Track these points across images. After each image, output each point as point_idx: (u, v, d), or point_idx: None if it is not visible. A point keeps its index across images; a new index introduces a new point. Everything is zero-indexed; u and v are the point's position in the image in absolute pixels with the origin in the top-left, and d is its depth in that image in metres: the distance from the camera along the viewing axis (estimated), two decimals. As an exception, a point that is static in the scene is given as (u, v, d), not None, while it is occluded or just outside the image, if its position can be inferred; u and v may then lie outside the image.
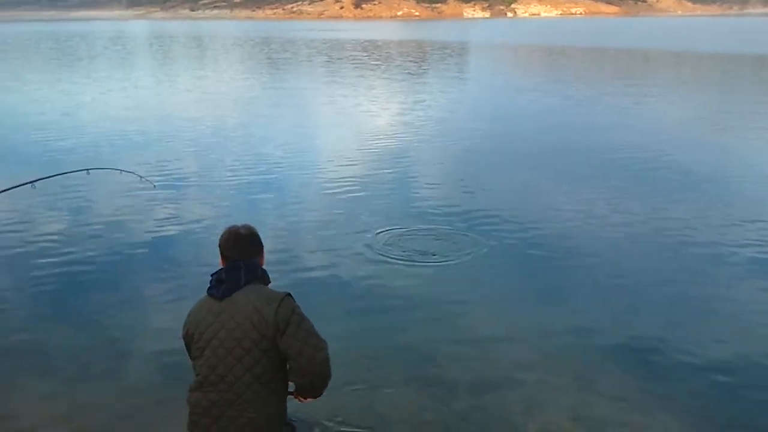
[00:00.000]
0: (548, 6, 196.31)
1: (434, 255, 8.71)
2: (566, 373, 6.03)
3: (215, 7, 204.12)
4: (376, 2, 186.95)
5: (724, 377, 5.98)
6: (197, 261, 8.48)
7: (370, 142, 16.59)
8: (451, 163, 14.50)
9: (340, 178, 12.88)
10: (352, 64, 40.99)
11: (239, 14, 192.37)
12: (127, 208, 10.77)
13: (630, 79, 31.63)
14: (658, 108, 22.33)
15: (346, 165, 14.01)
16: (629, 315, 7.15)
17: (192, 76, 33.56)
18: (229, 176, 13.03)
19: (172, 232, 9.74)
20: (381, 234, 9.51)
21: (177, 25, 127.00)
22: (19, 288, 7.85)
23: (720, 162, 14.30)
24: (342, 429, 5.15)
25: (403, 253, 8.77)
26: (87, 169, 8.24)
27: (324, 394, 3.69)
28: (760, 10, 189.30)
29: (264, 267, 3.70)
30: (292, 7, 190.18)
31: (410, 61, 44.31)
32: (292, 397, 3.61)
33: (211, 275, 3.57)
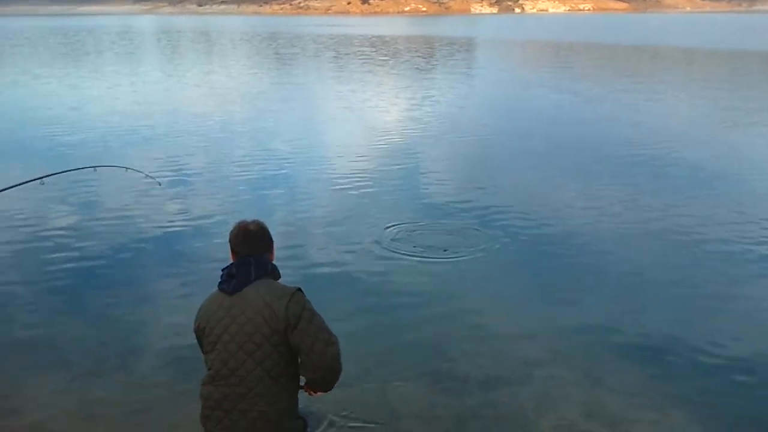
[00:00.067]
0: (556, 2, 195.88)
1: (445, 251, 8.70)
2: (578, 369, 6.01)
3: (222, 2, 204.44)
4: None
5: (736, 374, 5.96)
6: (208, 256, 8.48)
7: (379, 137, 16.58)
8: (460, 158, 14.48)
9: (349, 173, 12.87)
10: (360, 59, 40.96)
11: (246, 9, 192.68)
12: (136, 204, 10.77)
13: (639, 75, 31.51)
14: (667, 105, 22.24)
15: (356, 160, 14.00)
16: (641, 312, 7.13)
17: (200, 71, 33.58)
18: (238, 171, 13.03)
19: (182, 228, 9.75)
20: (391, 229, 9.50)
21: (184, 20, 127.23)
22: (30, 283, 7.87)
23: (731, 159, 14.24)
24: (354, 423, 5.15)
25: (413, 249, 8.76)
26: (94, 166, 8.27)
27: (336, 388, 3.69)
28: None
29: (274, 262, 3.70)
30: (300, 3, 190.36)
31: (418, 56, 44.26)
32: (303, 390, 3.61)
33: (222, 270, 3.58)
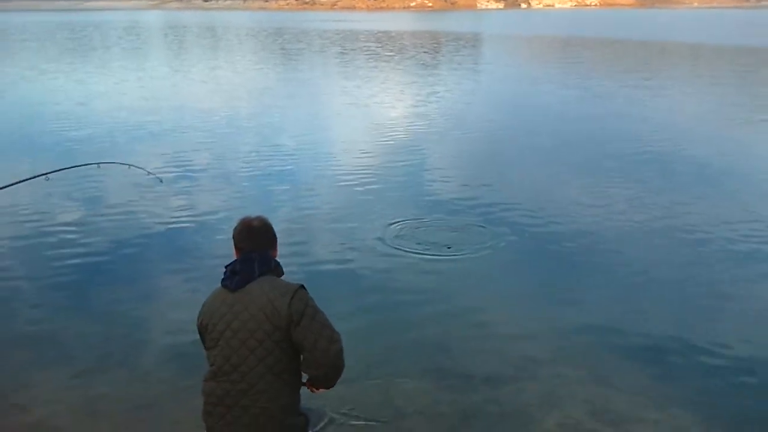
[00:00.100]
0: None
1: (449, 248, 8.69)
2: (582, 367, 5.99)
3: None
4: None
5: (741, 374, 5.94)
6: (212, 252, 8.49)
7: (385, 133, 16.56)
8: (466, 154, 14.46)
9: (354, 169, 12.86)
10: (366, 54, 40.94)
11: (252, 5, 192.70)
12: (140, 201, 10.78)
13: (647, 71, 31.39)
14: (675, 101, 22.16)
15: (360, 156, 14.00)
16: (646, 311, 7.10)
17: (206, 67, 33.62)
18: (243, 167, 13.04)
19: (186, 224, 9.76)
20: (395, 225, 9.49)
21: (191, 15, 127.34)
22: (34, 278, 7.89)
23: (739, 156, 14.19)
24: (358, 420, 5.15)
25: (417, 246, 8.75)
26: (98, 163, 8.29)
27: (339, 385, 3.69)
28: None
29: (277, 259, 3.70)
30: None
31: (424, 52, 44.20)
32: (306, 387, 3.61)
33: (225, 267, 3.58)
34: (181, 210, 10.33)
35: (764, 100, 21.98)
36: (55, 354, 6.16)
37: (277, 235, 3.73)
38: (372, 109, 20.43)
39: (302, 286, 3.48)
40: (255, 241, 3.59)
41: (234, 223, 3.73)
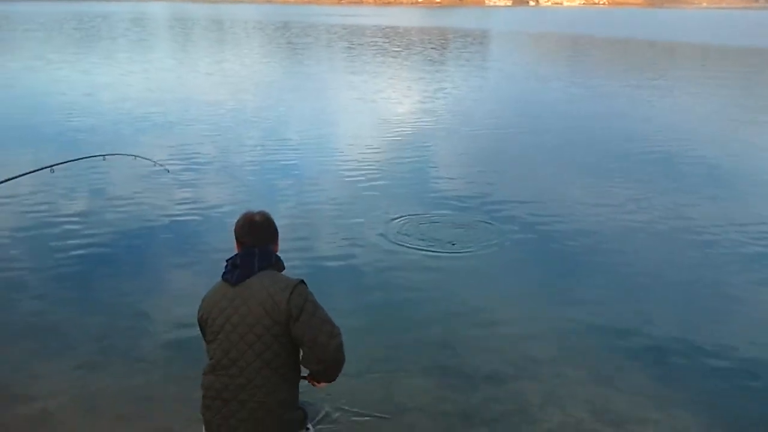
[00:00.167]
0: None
1: (453, 244, 8.67)
2: (584, 367, 5.98)
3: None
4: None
5: (743, 376, 5.93)
6: (216, 245, 8.47)
7: (391, 129, 16.54)
8: (472, 151, 14.44)
9: (359, 164, 12.85)
10: (373, 50, 40.90)
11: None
12: (145, 192, 10.76)
13: (654, 71, 31.32)
14: (682, 101, 22.11)
15: (366, 151, 13.98)
16: (649, 311, 7.08)
17: (213, 59, 33.61)
18: (248, 161, 13.04)
19: (190, 217, 9.74)
20: (400, 221, 9.48)
21: (197, 7, 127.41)
22: (38, 269, 7.87)
23: (745, 158, 14.16)
24: (360, 416, 5.14)
25: (421, 242, 8.74)
26: (103, 155, 8.28)
27: (342, 381, 3.69)
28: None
29: (281, 253, 3.70)
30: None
31: (432, 48, 44.15)
32: (307, 381, 3.62)
33: (227, 261, 3.59)
34: (186, 202, 10.32)
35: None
36: (58, 345, 6.16)
37: (281, 230, 3.72)
38: (378, 105, 20.41)
39: (302, 281, 3.48)
40: (256, 235, 3.59)
41: (237, 217, 3.74)
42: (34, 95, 20.95)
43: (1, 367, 5.78)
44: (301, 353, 3.47)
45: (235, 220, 3.69)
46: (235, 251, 3.62)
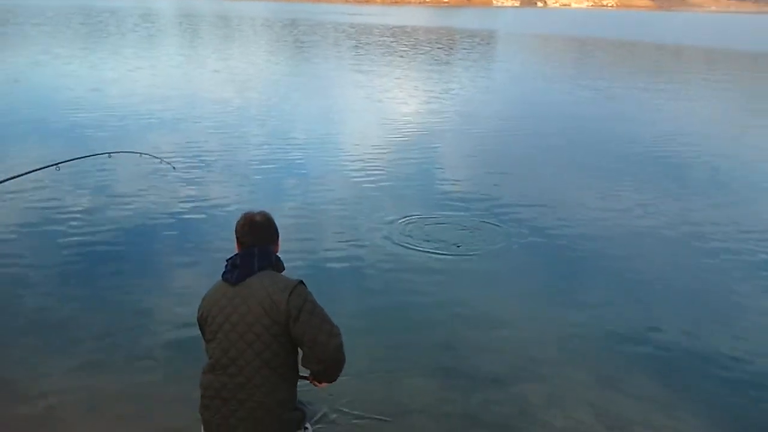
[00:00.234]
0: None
1: (458, 246, 8.66)
2: (588, 370, 5.98)
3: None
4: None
5: (748, 381, 5.92)
6: (220, 244, 8.45)
7: (397, 128, 16.54)
8: (478, 153, 14.43)
9: (365, 164, 12.85)
10: (381, 49, 40.89)
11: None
12: (150, 191, 10.71)
13: (661, 74, 31.26)
14: (689, 105, 22.06)
15: (372, 151, 13.98)
16: (654, 315, 7.08)
17: (220, 57, 33.62)
18: (253, 159, 13.02)
19: (195, 215, 9.71)
20: (404, 222, 9.47)
21: (206, 4, 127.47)
22: (43, 267, 7.83)
23: (752, 163, 14.13)
24: (362, 417, 5.14)
25: (426, 243, 8.73)
26: (109, 153, 8.31)
27: (344, 381, 3.70)
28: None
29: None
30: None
31: (439, 48, 44.12)
32: (308, 381, 3.63)
33: (226, 260, 3.61)
34: (192, 201, 10.28)
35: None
36: (61, 343, 6.15)
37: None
38: (385, 104, 20.41)
39: (301, 282, 3.50)
40: (257, 235, 3.62)
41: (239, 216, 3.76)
42: (41, 90, 20.98)
43: (4, 364, 5.79)
44: (301, 353, 3.48)
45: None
46: (236, 251, 3.65)
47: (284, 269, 3.64)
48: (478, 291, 7.53)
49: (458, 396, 5.50)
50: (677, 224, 9.89)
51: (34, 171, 6.75)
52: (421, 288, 7.53)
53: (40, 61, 27.70)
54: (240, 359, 3.39)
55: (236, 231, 3.66)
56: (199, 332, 3.62)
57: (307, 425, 3.62)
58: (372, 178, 11.81)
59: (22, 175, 6.52)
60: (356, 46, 43.54)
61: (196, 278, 7.49)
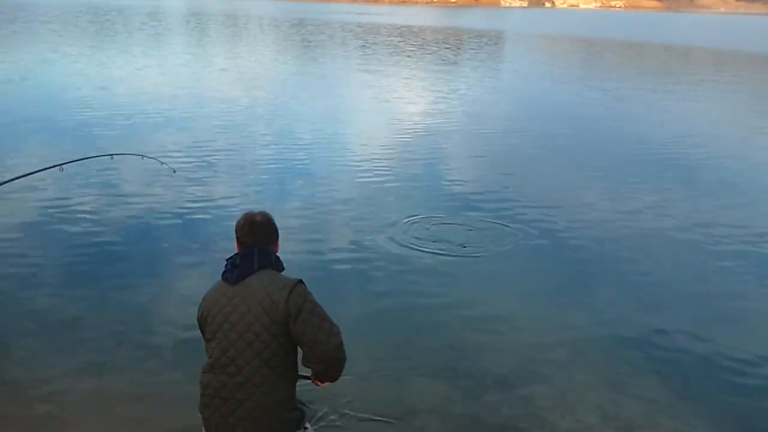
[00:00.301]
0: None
1: (465, 246, 8.64)
2: (596, 371, 5.96)
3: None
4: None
5: (756, 383, 5.90)
6: (225, 245, 8.42)
7: (404, 129, 16.53)
8: (485, 153, 14.40)
9: (371, 164, 12.84)
10: (388, 49, 40.88)
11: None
12: (156, 192, 10.66)
13: (669, 75, 31.18)
14: (697, 106, 22.00)
15: (379, 151, 13.97)
16: (662, 318, 7.05)
17: (228, 56, 33.66)
18: (259, 159, 12.99)
19: (200, 216, 9.66)
20: (410, 222, 9.45)
21: (213, 3, 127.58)
22: (48, 267, 7.82)
23: (761, 164, 14.07)
24: (368, 418, 5.13)
25: (432, 243, 8.71)
26: (111, 155, 8.34)
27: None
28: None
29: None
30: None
31: (446, 48, 44.09)
32: (310, 381, 3.63)
33: (226, 260, 3.62)
34: (197, 202, 10.24)
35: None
36: (66, 343, 6.15)
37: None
38: (392, 104, 20.39)
39: (300, 281, 3.51)
40: (256, 235, 3.62)
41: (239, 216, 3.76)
42: (49, 88, 21.02)
43: (9, 364, 5.79)
44: (301, 353, 3.48)
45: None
46: (236, 251, 3.65)
47: (284, 269, 3.64)
48: (484, 292, 7.51)
49: (464, 398, 5.49)
50: (685, 226, 9.85)
51: (37, 172, 6.75)
52: (426, 289, 7.51)
53: (49, 60, 27.76)
54: (239, 358, 3.39)
55: (236, 231, 3.67)
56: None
57: (307, 425, 3.62)
58: (378, 178, 11.80)
59: (25, 175, 6.52)
60: (363, 45, 43.54)
61: (202, 279, 7.45)
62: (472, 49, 44.52)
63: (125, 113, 17.00)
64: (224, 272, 3.58)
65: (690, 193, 11.60)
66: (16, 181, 6.47)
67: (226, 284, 3.53)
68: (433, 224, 9.42)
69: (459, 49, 44.66)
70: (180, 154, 12.84)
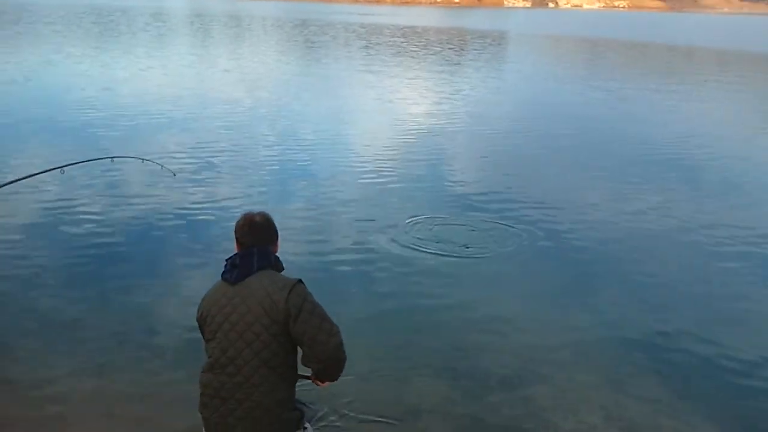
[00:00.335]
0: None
1: (468, 247, 8.63)
2: (599, 372, 5.95)
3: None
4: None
5: (760, 384, 5.88)
6: (228, 246, 8.39)
7: (407, 129, 16.52)
8: (489, 154, 14.39)
9: (374, 164, 12.83)
10: (391, 49, 40.88)
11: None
12: (156, 193, 10.61)
13: (673, 75, 31.13)
14: (701, 106, 21.96)
15: (382, 152, 13.96)
16: (666, 320, 7.03)
17: (231, 56, 33.69)
18: (263, 161, 12.97)
19: (203, 217, 9.64)
20: (413, 223, 9.45)
21: (217, 3, 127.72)
22: (50, 269, 7.79)
23: (764, 165, 14.02)
24: (370, 418, 5.12)
25: (436, 244, 8.70)
26: (111, 157, 8.34)
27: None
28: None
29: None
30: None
31: (450, 48, 44.08)
32: (311, 381, 3.63)
33: (226, 260, 3.63)
34: (200, 203, 10.21)
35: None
36: (68, 344, 6.15)
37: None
38: (396, 105, 20.39)
39: (300, 281, 3.52)
40: (256, 236, 3.63)
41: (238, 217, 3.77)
42: (53, 89, 21.03)
43: (11, 364, 5.79)
44: (301, 353, 3.49)
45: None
46: (235, 251, 3.66)
47: (283, 269, 3.65)
48: (486, 293, 7.50)
49: (466, 398, 5.48)
50: (689, 227, 9.83)
51: (39, 174, 6.76)
52: (428, 289, 7.50)
53: (52, 60, 27.80)
54: (238, 358, 3.40)
55: (236, 231, 3.69)
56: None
57: (307, 425, 3.62)
58: (382, 179, 11.80)
59: (26, 177, 6.52)
60: (367, 46, 43.54)
61: (204, 280, 7.43)
62: (475, 49, 44.50)
63: (129, 114, 17.01)
64: (224, 272, 3.59)
65: (694, 194, 11.58)
66: (17, 182, 6.47)
67: (225, 284, 3.54)
68: (435, 225, 9.42)
69: (462, 49, 44.65)
70: (183, 155, 12.85)
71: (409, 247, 8.59)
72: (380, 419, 5.12)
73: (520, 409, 5.36)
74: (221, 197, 10.54)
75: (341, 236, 9.02)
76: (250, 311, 3.41)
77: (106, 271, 7.77)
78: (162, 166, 8.94)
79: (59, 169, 6.61)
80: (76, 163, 7.41)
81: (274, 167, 12.46)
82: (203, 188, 10.96)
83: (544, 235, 9.24)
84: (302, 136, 15.35)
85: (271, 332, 3.38)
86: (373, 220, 9.62)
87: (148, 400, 5.34)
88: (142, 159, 8.85)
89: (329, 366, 3.47)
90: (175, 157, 12.46)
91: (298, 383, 3.59)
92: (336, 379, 3.60)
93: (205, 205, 10.12)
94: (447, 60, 35.59)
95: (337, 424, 5.04)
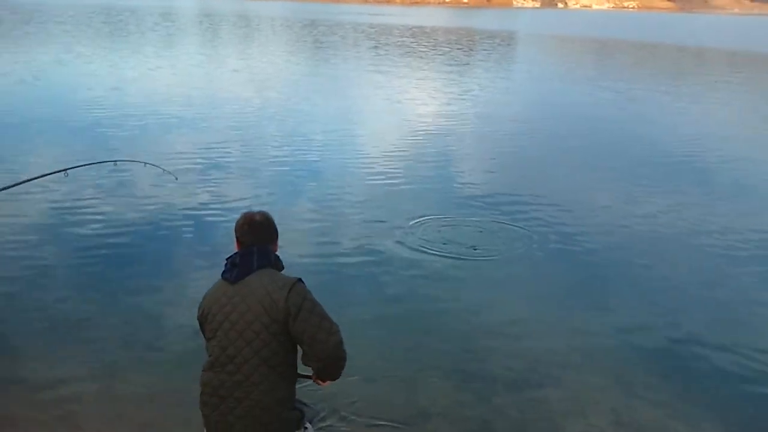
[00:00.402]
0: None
1: (476, 249, 8.60)
2: (608, 374, 5.92)
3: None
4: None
5: (771, 388, 5.83)
6: (233, 247, 8.37)
7: (416, 129, 16.51)
8: (497, 155, 14.35)
9: (382, 165, 12.82)
10: (400, 49, 40.88)
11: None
12: (163, 195, 10.58)
13: (682, 76, 31.00)
14: (711, 108, 21.85)
15: (390, 152, 13.94)
16: (676, 322, 7.00)
17: (240, 56, 33.74)
18: (271, 161, 12.95)
19: (211, 218, 9.61)
20: (420, 223, 9.42)
21: (226, 4, 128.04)
22: (57, 270, 7.80)
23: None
24: (379, 420, 5.10)
25: (444, 245, 8.68)
26: (115, 161, 8.34)
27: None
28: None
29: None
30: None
31: (459, 49, 44.04)
32: (312, 380, 3.64)
33: (226, 259, 3.65)
34: (205, 203, 10.19)
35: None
36: (75, 345, 6.15)
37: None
38: (404, 105, 20.37)
39: (300, 280, 3.53)
40: (256, 235, 3.65)
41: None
42: (62, 89, 21.09)
43: (18, 366, 5.80)
44: (301, 351, 3.49)
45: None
46: (236, 250, 3.66)
47: (283, 268, 3.67)
48: (494, 295, 7.47)
49: (474, 401, 5.45)
50: (700, 230, 9.77)
51: (43, 176, 6.77)
52: (436, 291, 7.48)
53: (62, 60, 27.90)
54: (238, 357, 3.41)
55: (236, 230, 3.71)
56: None
57: (307, 425, 3.62)
58: (390, 180, 11.78)
59: (30, 180, 6.52)
60: (376, 46, 43.54)
61: (212, 281, 7.31)
62: (484, 49, 44.45)
63: (137, 114, 17.03)
64: (224, 271, 3.62)
65: (704, 197, 11.52)
66: (21, 185, 6.47)
67: (225, 283, 3.57)
68: (443, 226, 9.39)
69: (471, 49, 44.60)
70: (191, 156, 12.86)
71: (416, 249, 8.56)
72: (386, 422, 5.09)
73: (529, 413, 5.33)
74: (229, 198, 10.52)
75: (349, 237, 9.00)
76: (249, 310, 3.42)
77: (113, 273, 7.77)
78: (164, 170, 8.86)
79: (63, 172, 6.61)
80: (79, 166, 7.40)
81: (282, 168, 12.45)
82: (211, 189, 10.94)
83: (553, 236, 9.21)
84: (311, 136, 15.35)
85: (270, 331, 3.39)
86: (381, 221, 9.60)
87: (155, 401, 5.34)
88: (145, 163, 8.82)
89: (329, 365, 3.47)
90: (183, 158, 12.48)
91: (299, 383, 3.59)
92: (337, 378, 3.61)
93: (213, 206, 10.11)
94: (456, 60, 35.55)
95: (341, 425, 5.02)
